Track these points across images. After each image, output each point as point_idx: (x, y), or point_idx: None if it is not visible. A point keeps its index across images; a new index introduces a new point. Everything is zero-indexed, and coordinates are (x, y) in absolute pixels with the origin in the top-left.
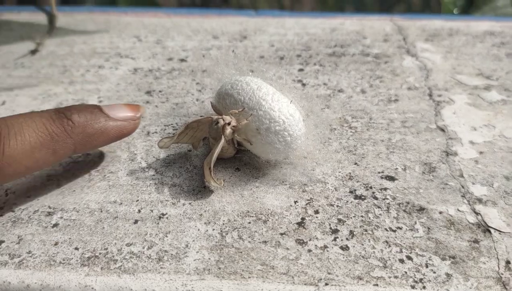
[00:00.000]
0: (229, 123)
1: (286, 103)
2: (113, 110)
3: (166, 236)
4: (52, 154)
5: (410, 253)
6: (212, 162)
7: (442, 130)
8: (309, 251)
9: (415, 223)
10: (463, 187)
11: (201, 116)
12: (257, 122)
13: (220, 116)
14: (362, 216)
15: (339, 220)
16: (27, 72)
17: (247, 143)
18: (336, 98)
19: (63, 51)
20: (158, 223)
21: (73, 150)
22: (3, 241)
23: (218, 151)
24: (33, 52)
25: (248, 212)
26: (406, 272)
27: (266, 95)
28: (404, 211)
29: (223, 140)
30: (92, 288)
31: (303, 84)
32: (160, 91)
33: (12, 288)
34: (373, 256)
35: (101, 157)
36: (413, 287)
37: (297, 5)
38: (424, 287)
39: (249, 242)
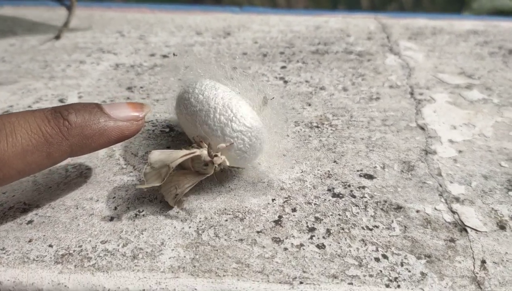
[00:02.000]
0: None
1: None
2: (114, 109)
3: (142, 234)
4: (46, 157)
5: (386, 251)
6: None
7: (422, 128)
8: (285, 249)
9: (392, 221)
10: (441, 185)
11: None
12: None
13: (205, 155)
14: (339, 215)
15: (316, 218)
16: (8, 67)
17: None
18: (317, 95)
19: (45, 46)
20: (134, 220)
21: (69, 153)
22: None
23: (194, 183)
24: (57, 37)
25: (225, 209)
26: (381, 271)
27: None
28: (382, 209)
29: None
30: (65, 285)
31: (285, 82)
32: (141, 87)
33: None
34: (349, 254)
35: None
36: (387, 286)
37: (291, 3)
38: (398, 286)
39: (225, 240)
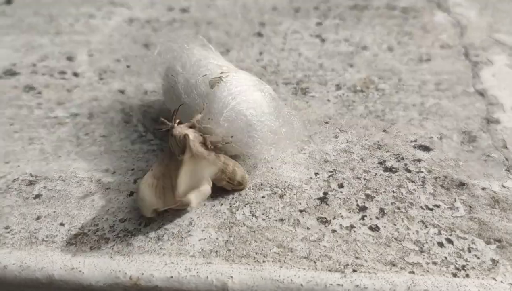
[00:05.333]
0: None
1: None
2: None
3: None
4: None
5: (450, 235)
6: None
7: (481, 94)
8: (333, 231)
9: (455, 200)
10: (507, 159)
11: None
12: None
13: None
14: (393, 192)
15: (367, 195)
16: (9, 21)
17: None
18: (360, 56)
19: None
20: None
21: None
22: None
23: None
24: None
25: (261, 184)
26: (446, 258)
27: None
28: (442, 186)
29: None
30: (80, 271)
31: (322, 40)
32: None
33: None
34: (408, 238)
35: (91, 117)
36: (454, 275)
37: None
38: (467, 275)
39: (263, 219)
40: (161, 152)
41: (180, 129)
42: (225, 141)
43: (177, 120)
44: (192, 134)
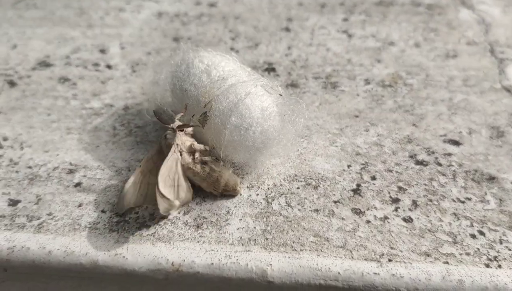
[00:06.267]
0: (181, 129)
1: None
2: None
3: (204, 201)
4: None
5: (482, 227)
6: (160, 182)
7: (508, 90)
8: (368, 222)
9: (485, 193)
10: None
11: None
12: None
13: (167, 125)
14: (425, 184)
15: (400, 188)
16: (40, 13)
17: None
18: (387, 51)
19: None
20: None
21: None
22: (19, 201)
23: (166, 163)
24: None
25: (296, 176)
26: (478, 249)
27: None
28: (473, 179)
29: (173, 149)
30: (124, 256)
31: (349, 36)
32: (189, 38)
33: (32, 254)
34: (441, 229)
35: (126, 109)
36: (487, 265)
37: None
38: (499, 266)
39: (298, 210)
40: (151, 147)
41: (175, 138)
42: (214, 156)
43: (177, 125)
44: (182, 142)
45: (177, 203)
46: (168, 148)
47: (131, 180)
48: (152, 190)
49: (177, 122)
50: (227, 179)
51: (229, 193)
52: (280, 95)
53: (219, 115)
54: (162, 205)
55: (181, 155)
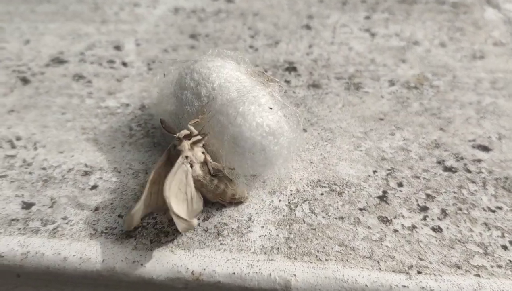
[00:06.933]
0: (188, 137)
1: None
2: None
3: (224, 206)
4: None
5: None
6: (167, 190)
7: None
8: (395, 231)
9: None
10: None
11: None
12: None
13: (175, 135)
14: (454, 192)
15: (428, 195)
16: (53, 8)
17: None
18: (411, 51)
19: None
20: None
21: None
22: (33, 204)
23: (175, 176)
24: None
25: (319, 181)
26: (510, 261)
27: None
28: (503, 187)
29: (181, 161)
30: (142, 264)
31: (372, 34)
32: (206, 35)
33: (46, 260)
34: (471, 240)
35: (142, 108)
36: None
37: None
38: None
39: (323, 217)
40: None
41: (185, 149)
42: (228, 167)
43: (184, 134)
44: (193, 154)
45: (195, 222)
46: (175, 157)
47: (142, 198)
48: (161, 198)
49: (184, 132)
50: (234, 189)
51: (236, 201)
52: (270, 108)
53: (214, 137)
54: (180, 226)
55: (191, 166)
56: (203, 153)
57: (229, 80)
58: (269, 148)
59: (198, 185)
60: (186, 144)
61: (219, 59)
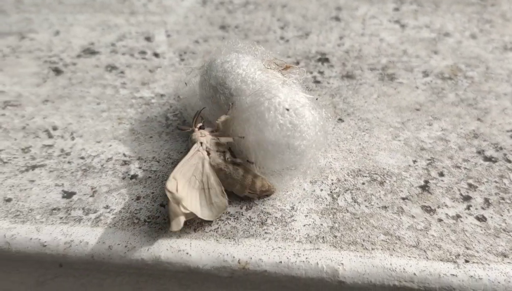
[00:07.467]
0: (202, 128)
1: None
2: None
3: (267, 195)
4: None
5: None
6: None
7: None
8: (440, 220)
9: None
10: None
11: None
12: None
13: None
14: (496, 182)
15: (470, 185)
16: None
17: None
18: (443, 43)
19: None
20: None
21: None
22: (74, 193)
23: (189, 161)
24: None
25: (359, 170)
26: None
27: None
28: None
29: (196, 147)
30: (187, 253)
31: (402, 26)
32: (236, 26)
33: (91, 249)
34: None
35: (177, 98)
36: None
37: None
38: None
39: (366, 206)
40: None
41: (197, 136)
42: (240, 136)
43: (199, 125)
44: (207, 140)
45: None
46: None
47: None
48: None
49: (198, 124)
50: (263, 179)
51: (265, 193)
52: (287, 109)
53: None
54: (171, 206)
55: (208, 154)
56: (215, 140)
57: (245, 80)
58: (297, 144)
59: (222, 175)
60: (198, 133)
61: (234, 55)
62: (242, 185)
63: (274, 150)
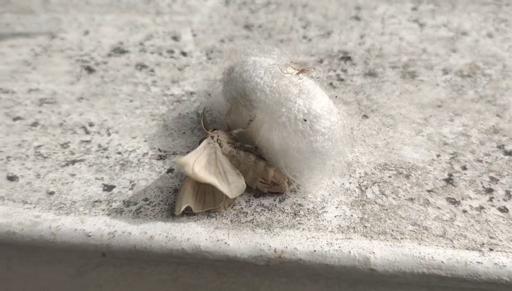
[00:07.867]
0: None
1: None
2: None
3: (298, 188)
4: None
5: None
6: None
7: None
8: (464, 211)
9: None
10: None
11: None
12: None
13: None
14: None
15: (492, 178)
16: (107, 0)
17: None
18: (461, 41)
19: None
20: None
21: None
22: (114, 186)
23: (203, 152)
24: None
25: (386, 164)
26: None
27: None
28: None
29: (208, 140)
30: (226, 242)
31: (421, 25)
32: (259, 26)
33: (133, 239)
34: None
35: (206, 96)
36: None
37: None
38: None
39: (393, 198)
40: None
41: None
42: (251, 119)
43: (212, 129)
44: (218, 134)
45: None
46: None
47: (187, 184)
48: (209, 196)
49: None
50: (273, 170)
51: (277, 187)
52: (305, 120)
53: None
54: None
55: (220, 146)
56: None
57: (263, 90)
58: (322, 147)
59: (235, 162)
60: (210, 133)
61: (251, 61)
62: (254, 171)
63: (300, 155)
